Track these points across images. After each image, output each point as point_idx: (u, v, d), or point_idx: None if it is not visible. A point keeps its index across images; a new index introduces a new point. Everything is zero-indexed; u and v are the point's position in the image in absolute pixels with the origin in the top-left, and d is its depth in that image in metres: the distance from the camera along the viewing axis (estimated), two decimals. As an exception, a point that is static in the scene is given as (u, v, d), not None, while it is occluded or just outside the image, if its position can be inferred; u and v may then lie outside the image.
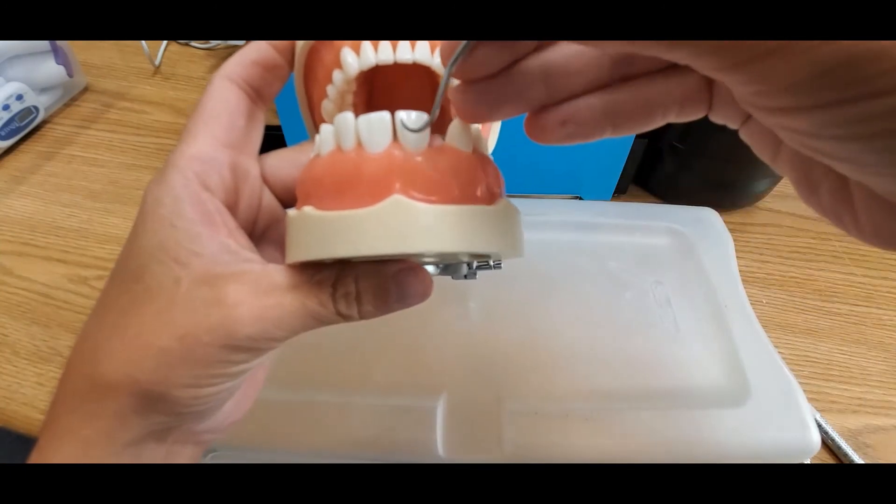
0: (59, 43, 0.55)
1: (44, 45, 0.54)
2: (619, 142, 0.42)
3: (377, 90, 0.22)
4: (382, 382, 0.32)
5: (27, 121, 0.53)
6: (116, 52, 0.66)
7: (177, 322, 0.17)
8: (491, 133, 0.24)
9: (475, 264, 0.28)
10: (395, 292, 0.19)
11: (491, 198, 0.18)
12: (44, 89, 0.55)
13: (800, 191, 0.17)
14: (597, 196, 0.46)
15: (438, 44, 0.18)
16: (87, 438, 0.17)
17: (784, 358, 0.33)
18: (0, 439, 0.36)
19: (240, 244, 0.18)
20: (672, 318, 0.36)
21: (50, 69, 0.54)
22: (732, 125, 0.18)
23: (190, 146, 0.19)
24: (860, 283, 0.42)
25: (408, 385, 0.32)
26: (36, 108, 0.53)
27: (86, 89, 0.60)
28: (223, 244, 0.18)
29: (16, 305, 0.40)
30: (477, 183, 0.18)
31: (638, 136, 0.42)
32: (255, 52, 0.20)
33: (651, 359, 0.34)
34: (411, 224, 0.16)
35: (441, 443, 0.30)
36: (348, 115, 0.17)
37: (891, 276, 0.42)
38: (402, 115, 0.16)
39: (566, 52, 0.17)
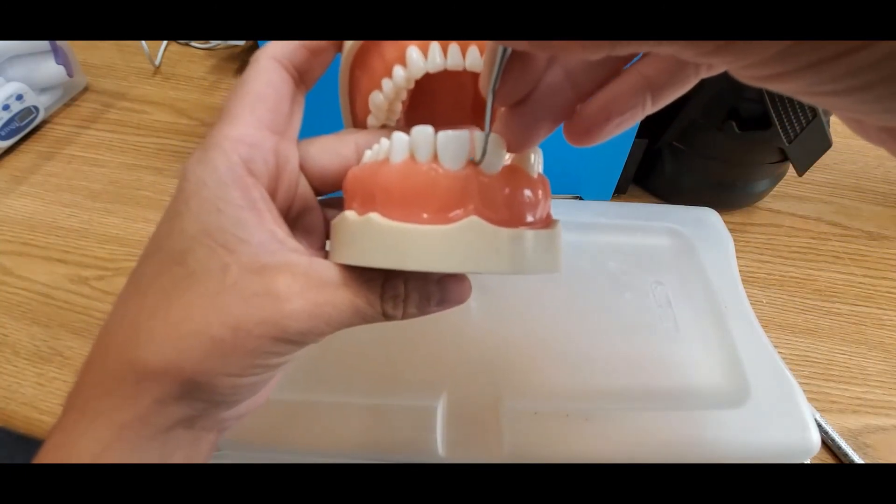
0: (59, 43, 0.55)
1: (44, 45, 0.54)
2: (618, 141, 0.42)
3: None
4: (382, 382, 0.32)
5: (27, 121, 0.53)
6: (116, 52, 0.66)
7: (228, 311, 0.16)
8: None
9: None
10: (437, 296, 0.19)
11: (549, 220, 0.19)
12: (44, 89, 0.55)
13: (845, 123, 0.16)
14: (597, 196, 0.46)
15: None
16: (122, 422, 0.17)
17: (784, 358, 0.33)
18: (0, 439, 0.36)
19: (283, 232, 0.18)
20: (672, 318, 0.36)
21: (50, 69, 0.54)
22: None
23: (234, 127, 0.18)
24: (860, 283, 0.42)
25: (408, 384, 0.32)
26: (36, 108, 0.53)
27: (86, 89, 0.60)
28: (270, 232, 0.18)
29: (16, 305, 0.40)
30: (542, 206, 0.18)
31: (637, 136, 0.42)
32: None
33: (651, 359, 0.34)
34: (486, 246, 0.16)
35: (441, 442, 0.30)
36: (427, 129, 0.17)
37: (891, 276, 0.42)
38: (480, 141, 0.17)
39: None
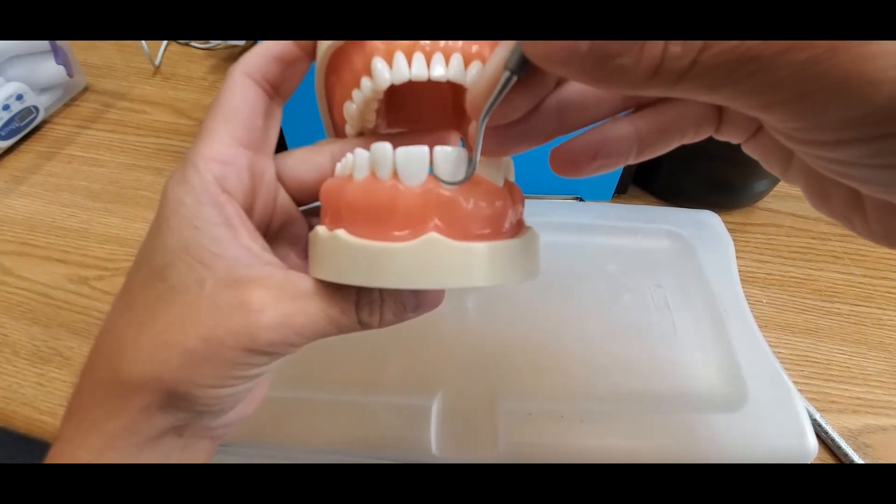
0: (59, 43, 0.55)
1: (44, 45, 0.54)
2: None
3: (395, 88, 0.22)
4: (377, 381, 0.32)
5: (27, 121, 0.52)
6: (116, 52, 0.66)
7: (202, 323, 0.17)
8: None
9: None
10: (412, 302, 0.19)
11: (519, 228, 0.19)
12: (44, 89, 0.55)
13: (810, 199, 0.17)
14: (597, 196, 0.46)
15: (471, 61, 0.18)
16: (112, 432, 0.17)
17: (784, 358, 0.33)
18: (0, 439, 0.36)
19: (259, 247, 0.19)
20: (670, 321, 0.36)
21: (50, 69, 0.54)
22: (736, 141, 0.19)
23: (209, 146, 0.19)
24: (860, 283, 0.42)
25: (403, 384, 0.32)
26: (36, 108, 0.53)
27: (86, 89, 0.60)
28: (245, 247, 0.18)
29: (16, 305, 0.40)
30: (508, 217, 0.18)
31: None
32: (276, 47, 0.20)
33: (648, 362, 0.34)
34: (446, 262, 0.16)
35: (435, 442, 0.30)
36: (386, 147, 0.17)
37: (891, 276, 0.42)
38: (439, 156, 0.17)
39: (580, 88, 0.17)
